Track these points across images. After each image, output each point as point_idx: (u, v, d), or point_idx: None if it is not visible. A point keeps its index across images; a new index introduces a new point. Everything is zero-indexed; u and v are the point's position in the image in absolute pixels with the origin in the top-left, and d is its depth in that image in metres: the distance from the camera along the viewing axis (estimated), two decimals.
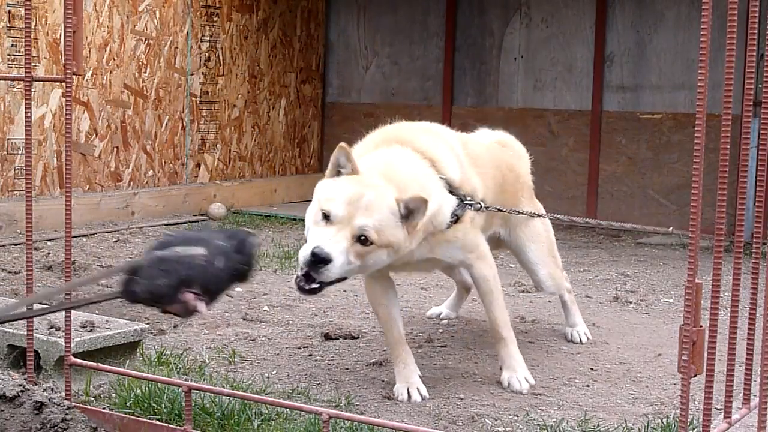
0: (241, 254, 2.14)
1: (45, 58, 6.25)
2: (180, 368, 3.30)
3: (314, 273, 2.82)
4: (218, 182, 7.60)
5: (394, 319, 3.28)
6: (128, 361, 3.24)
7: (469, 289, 4.18)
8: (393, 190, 2.95)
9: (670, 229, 3.61)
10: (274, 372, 3.37)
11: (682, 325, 2.00)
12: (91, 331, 3.14)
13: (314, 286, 2.84)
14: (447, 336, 3.95)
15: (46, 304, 2.46)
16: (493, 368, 3.50)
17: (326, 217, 2.94)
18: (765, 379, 2.22)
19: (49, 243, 5.63)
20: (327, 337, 3.85)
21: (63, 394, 2.73)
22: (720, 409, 2.45)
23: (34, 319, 2.81)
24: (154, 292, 2.06)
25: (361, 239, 2.88)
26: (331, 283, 2.89)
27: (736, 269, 2.33)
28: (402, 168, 3.08)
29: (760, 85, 5.46)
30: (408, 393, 3.15)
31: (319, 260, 2.80)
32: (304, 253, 2.85)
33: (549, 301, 4.68)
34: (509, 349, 3.32)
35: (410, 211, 2.93)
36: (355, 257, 2.87)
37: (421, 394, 3.15)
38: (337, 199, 2.94)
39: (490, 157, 3.63)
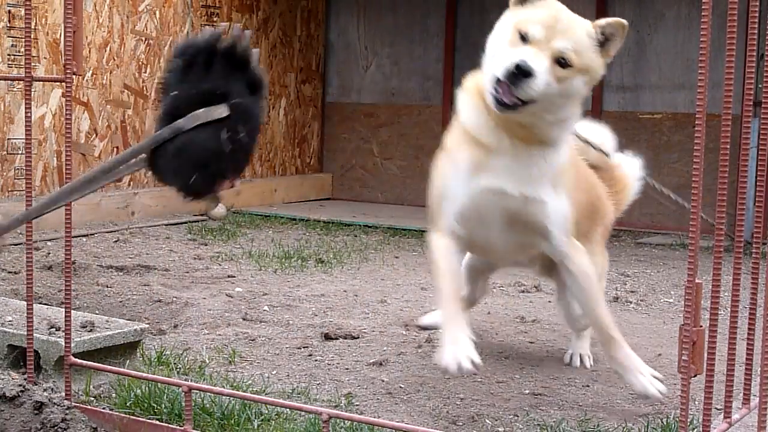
0: (257, 93, 1.99)
1: (45, 58, 6.25)
2: (180, 368, 3.30)
3: (514, 87, 2.70)
4: None
5: (454, 273, 2.99)
6: (128, 361, 3.24)
7: (473, 305, 3.85)
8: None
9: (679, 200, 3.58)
10: (274, 372, 3.37)
11: (682, 325, 2.00)
12: (91, 331, 3.14)
13: (514, 100, 2.72)
14: None
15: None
16: (494, 368, 3.50)
17: (523, 38, 2.79)
18: (765, 379, 2.22)
19: (49, 243, 5.63)
20: (327, 337, 3.85)
21: (63, 394, 2.73)
22: (720, 409, 2.45)
23: (34, 318, 2.80)
24: (189, 186, 1.96)
25: (560, 61, 2.76)
26: (525, 104, 2.74)
27: (736, 269, 2.33)
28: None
29: (760, 85, 5.46)
30: (457, 362, 2.71)
31: (523, 73, 2.68)
32: (506, 65, 2.72)
33: (549, 302, 4.68)
34: (625, 351, 3.03)
35: (607, 37, 2.85)
36: (554, 80, 2.75)
37: (474, 363, 2.71)
38: (534, 21, 2.81)
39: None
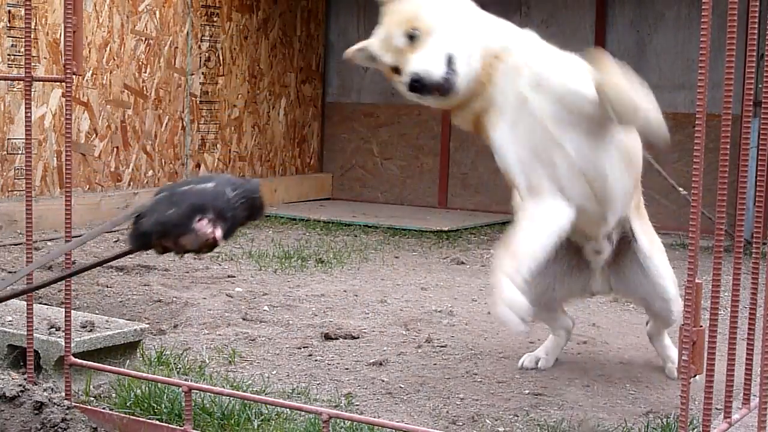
0: (251, 186, 2.05)
1: (45, 58, 6.25)
2: (180, 368, 3.30)
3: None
4: None
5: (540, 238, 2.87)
6: (128, 361, 3.24)
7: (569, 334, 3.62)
8: None
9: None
10: (274, 372, 3.37)
11: (682, 325, 2.00)
12: (91, 331, 3.14)
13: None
14: (447, 336, 3.95)
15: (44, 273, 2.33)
16: (494, 368, 3.51)
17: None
18: (765, 379, 2.22)
19: (49, 243, 5.63)
20: (327, 337, 3.85)
21: (63, 394, 2.73)
22: (720, 409, 2.45)
23: (34, 318, 2.80)
24: (165, 222, 1.95)
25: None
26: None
27: (736, 269, 2.33)
28: None
29: (760, 86, 5.46)
30: (507, 315, 2.67)
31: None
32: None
33: None
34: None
35: None
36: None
37: (523, 319, 2.67)
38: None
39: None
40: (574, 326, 3.65)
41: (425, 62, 2.82)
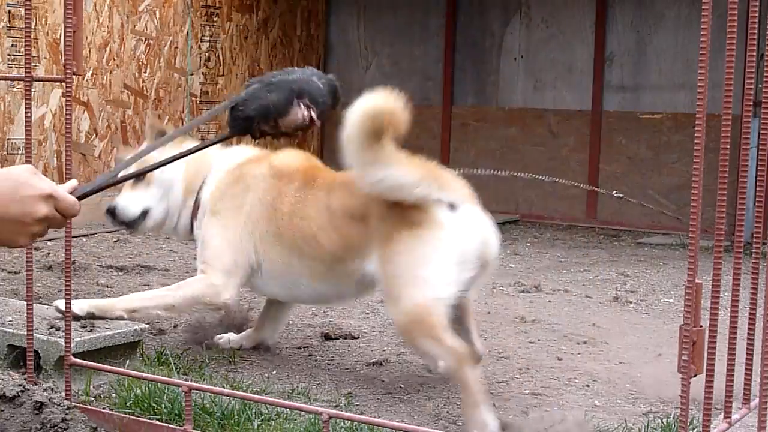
0: (332, 78, 2.39)
1: (45, 58, 6.25)
2: (180, 368, 3.29)
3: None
4: None
5: None
6: (128, 361, 3.24)
7: None
8: None
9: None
10: (274, 372, 3.37)
11: (682, 325, 2.00)
12: (91, 331, 3.13)
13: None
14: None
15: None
16: (494, 368, 3.50)
17: None
18: (765, 379, 2.22)
19: (49, 243, 5.63)
20: (327, 337, 3.85)
21: (63, 394, 2.73)
22: (720, 409, 2.45)
23: (34, 318, 2.80)
24: (268, 105, 2.17)
25: None
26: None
27: (736, 269, 2.33)
28: None
29: (760, 85, 5.46)
30: None
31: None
32: None
33: (549, 301, 4.68)
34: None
35: None
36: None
37: None
38: None
39: None
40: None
41: (128, 202, 3.46)
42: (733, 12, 1.96)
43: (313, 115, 2.23)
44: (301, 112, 2.21)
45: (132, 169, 2.17)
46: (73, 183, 1.77)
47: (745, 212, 2.27)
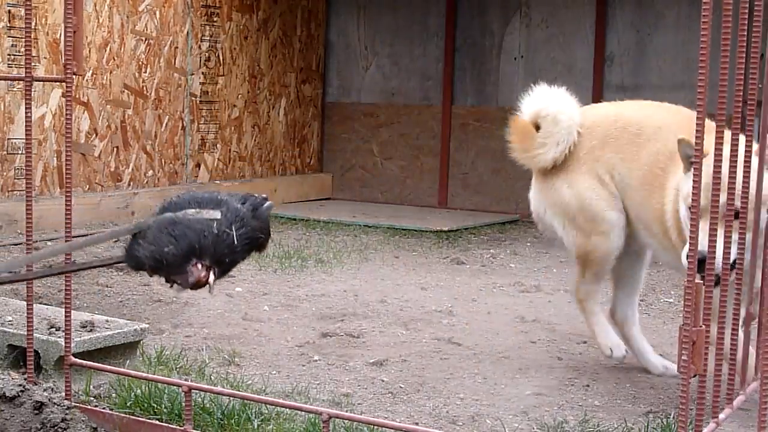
0: (258, 220, 1.97)
1: (45, 58, 6.25)
2: (180, 368, 3.30)
3: None
4: (218, 182, 7.60)
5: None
6: (128, 361, 3.24)
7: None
8: None
9: None
10: (274, 372, 3.37)
11: (682, 325, 2.00)
12: (91, 331, 3.14)
13: None
14: (447, 336, 3.95)
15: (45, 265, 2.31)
16: (494, 368, 3.51)
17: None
18: (765, 378, 2.22)
19: (49, 243, 5.63)
20: (327, 337, 3.85)
21: (63, 394, 2.73)
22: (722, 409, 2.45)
23: (34, 318, 2.80)
24: (160, 259, 1.89)
25: None
26: None
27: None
28: None
29: (760, 85, 5.45)
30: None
31: None
32: None
33: (549, 301, 4.68)
34: None
35: None
36: None
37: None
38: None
39: None
40: None
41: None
42: (732, 11, 1.96)
43: (211, 280, 1.90)
44: (197, 273, 1.89)
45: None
46: None
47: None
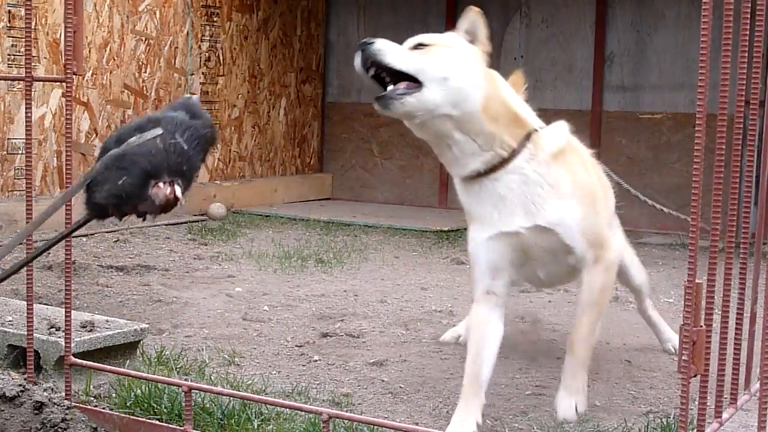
0: (197, 117, 1.94)
1: (45, 58, 6.25)
2: (180, 368, 3.29)
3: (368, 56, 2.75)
4: (218, 182, 7.60)
5: (478, 364, 2.84)
6: (128, 361, 3.24)
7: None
8: None
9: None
10: (274, 372, 3.37)
11: (682, 325, 2.00)
12: (91, 331, 3.14)
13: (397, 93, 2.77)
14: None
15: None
16: (494, 368, 3.50)
17: None
18: (765, 378, 2.22)
19: None
20: (327, 337, 3.85)
21: (63, 394, 2.73)
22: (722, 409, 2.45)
23: (34, 318, 2.80)
24: (118, 194, 1.85)
25: (418, 47, 2.82)
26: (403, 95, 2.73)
27: (727, 269, 2.33)
28: None
29: (762, 86, 5.45)
30: None
31: (365, 46, 2.75)
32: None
33: (549, 301, 4.68)
34: (578, 370, 2.88)
35: (470, 32, 3.07)
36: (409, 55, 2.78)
37: None
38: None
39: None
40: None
41: (392, 51, 2.73)
42: (729, 12, 1.96)
43: (178, 192, 1.85)
44: (162, 192, 1.84)
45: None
46: None
47: (748, 212, 2.27)
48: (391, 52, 2.73)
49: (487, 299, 2.85)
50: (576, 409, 2.81)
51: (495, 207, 2.84)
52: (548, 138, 2.88)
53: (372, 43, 2.72)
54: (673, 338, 3.72)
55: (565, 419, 2.82)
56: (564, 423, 2.86)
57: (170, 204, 1.88)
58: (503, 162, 2.80)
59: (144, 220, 1.99)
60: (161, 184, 1.85)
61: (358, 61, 2.72)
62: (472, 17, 2.91)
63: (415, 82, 2.70)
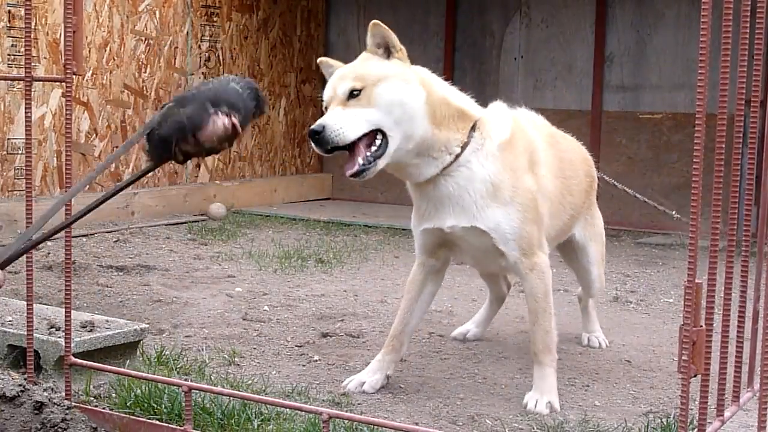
0: (251, 81, 2.14)
1: (45, 58, 6.25)
2: (180, 368, 3.29)
3: (319, 146, 3.11)
4: (218, 182, 7.60)
5: (408, 314, 3.22)
6: (128, 361, 3.24)
7: (503, 300, 3.95)
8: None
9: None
10: (274, 372, 3.37)
11: (682, 325, 2.00)
12: (91, 331, 3.14)
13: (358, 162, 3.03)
14: (447, 336, 3.95)
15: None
16: (494, 368, 3.50)
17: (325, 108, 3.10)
18: (765, 378, 2.22)
19: (49, 243, 5.63)
20: (327, 337, 3.85)
21: (63, 394, 2.73)
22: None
23: (34, 318, 2.80)
24: (181, 120, 1.99)
25: (352, 94, 2.94)
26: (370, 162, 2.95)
27: (729, 269, 2.32)
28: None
29: (762, 85, 5.45)
30: (354, 385, 3.16)
31: (315, 134, 3.09)
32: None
33: None
34: (545, 371, 3.08)
35: (384, 45, 3.01)
36: (346, 112, 2.98)
37: (364, 389, 3.14)
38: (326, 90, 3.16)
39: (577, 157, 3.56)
40: (509, 291, 3.99)
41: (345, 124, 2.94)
42: (729, 11, 1.96)
43: (235, 121, 2.00)
44: (220, 121, 1.98)
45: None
46: None
47: (746, 212, 2.27)
48: (342, 127, 2.92)
49: (423, 266, 3.20)
50: (550, 406, 3.00)
51: (434, 206, 3.02)
52: (493, 126, 3.05)
53: (321, 131, 2.98)
54: (596, 331, 3.87)
55: (537, 413, 2.98)
56: (533, 415, 2.97)
57: (230, 135, 2.00)
58: (456, 158, 2.96)
59: (203, 159, 2.15)
60: (220, 113, 1.99)
61: (317, 149, 2.98)
62: (376, 30, 3.03)
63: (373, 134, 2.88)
